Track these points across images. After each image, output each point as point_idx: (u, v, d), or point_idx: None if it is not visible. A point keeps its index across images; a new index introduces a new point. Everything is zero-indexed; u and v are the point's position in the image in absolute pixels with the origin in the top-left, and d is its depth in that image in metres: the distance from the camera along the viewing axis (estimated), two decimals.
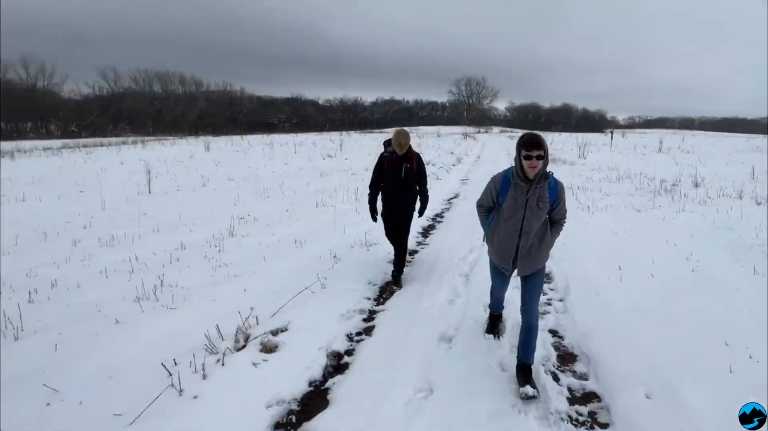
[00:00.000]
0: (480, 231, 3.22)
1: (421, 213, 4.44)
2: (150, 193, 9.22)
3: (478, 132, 51.43)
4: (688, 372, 2.58)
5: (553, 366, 2.90)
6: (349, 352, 3.06)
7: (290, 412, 2.41)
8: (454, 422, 2.31)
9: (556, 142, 28.40)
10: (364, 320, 3.56)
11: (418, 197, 4.37)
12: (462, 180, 11.57)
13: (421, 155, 4.33)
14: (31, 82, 56.48)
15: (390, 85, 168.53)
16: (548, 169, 2.51)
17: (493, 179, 2.72)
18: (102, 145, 25.18)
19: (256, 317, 3.30)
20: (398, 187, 4.18)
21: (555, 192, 2.56)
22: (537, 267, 2.66)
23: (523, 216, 2.53)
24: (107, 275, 4.25)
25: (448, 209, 7.85)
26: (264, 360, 2.79)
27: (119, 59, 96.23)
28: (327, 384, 2.68)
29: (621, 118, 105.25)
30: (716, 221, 6.06)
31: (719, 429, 2.16)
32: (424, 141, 27.48)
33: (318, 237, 5.59)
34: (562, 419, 2.38)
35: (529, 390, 2.44)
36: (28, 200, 8.41)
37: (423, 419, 2.34)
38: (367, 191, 4.43)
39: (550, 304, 3.83)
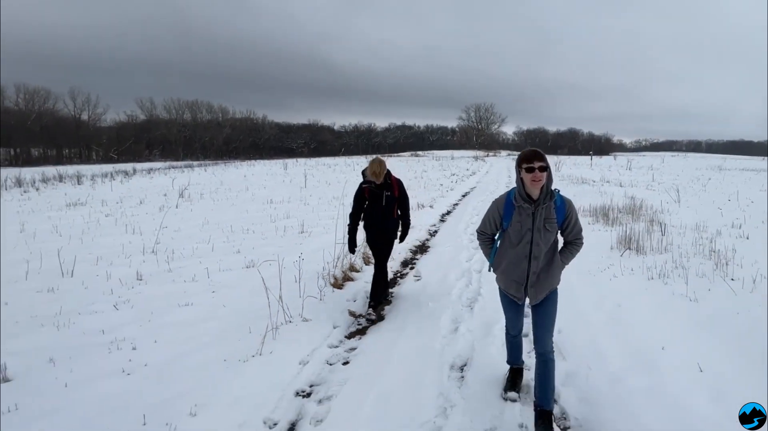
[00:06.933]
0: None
1: (401, 239, 4.66)
2: (305, 187, 18.02)
3: (487, 155, 61.00)
4: None
5: None
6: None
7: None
8: None
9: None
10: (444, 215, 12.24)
11: (400, 222, 4.59)
12: (477, 182, 20.48)
13: (401, 180, 4.55)
14: (78, 112, 67.19)
15: (399, 111, 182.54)
16: (554, 187, 2.50)
17: (495, 203, 2.69)
18: (191, 167, 34.35)
19: (432, 204, 11.98)
20: (381, 217, 4.43)
21: (563, 211, 2.53)
22: (549, 291, 2.64)
23: (531, 239, 2.52)
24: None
25: (469, 192, 16.59)
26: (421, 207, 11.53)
27: (153, 90, 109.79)
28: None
29: (628, 141, 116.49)
30: (597, 191, 14.81)
31: None
32: (443, 162, 36.82)
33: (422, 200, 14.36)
34: None
35: None
36: (250, 190, 17.18)
37: None
38: (347, 221, 4.54)
39: None
